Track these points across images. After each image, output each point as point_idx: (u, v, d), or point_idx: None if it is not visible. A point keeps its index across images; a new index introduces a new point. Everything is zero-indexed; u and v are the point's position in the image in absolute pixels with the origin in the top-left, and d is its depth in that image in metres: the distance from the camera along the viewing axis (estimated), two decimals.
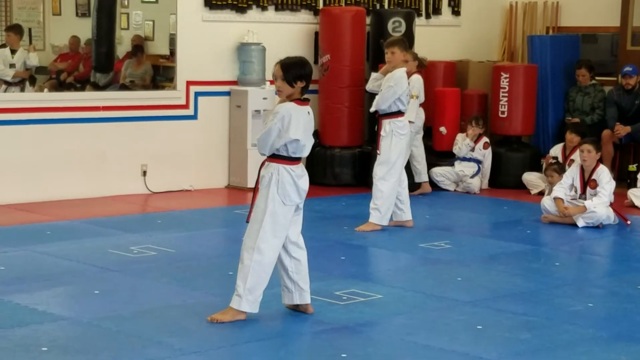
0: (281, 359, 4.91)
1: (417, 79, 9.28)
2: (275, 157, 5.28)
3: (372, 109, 7.96)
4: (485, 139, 10.23)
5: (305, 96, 5.35)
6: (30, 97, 9.10)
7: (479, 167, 10.13)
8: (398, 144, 7.82)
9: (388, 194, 7.82)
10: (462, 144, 10.13)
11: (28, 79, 9.21)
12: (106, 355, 4.76)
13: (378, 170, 7.85)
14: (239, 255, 5.33)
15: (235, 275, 5.32)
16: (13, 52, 9.20)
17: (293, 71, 5.25)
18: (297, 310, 5.51)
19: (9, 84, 9.07)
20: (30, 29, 9.54)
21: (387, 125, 7.81)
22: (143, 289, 6.06)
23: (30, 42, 9.43)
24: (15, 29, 9.36)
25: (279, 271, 5.44)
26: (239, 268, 5.30)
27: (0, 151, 8.57)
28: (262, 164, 5.38)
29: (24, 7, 9.84)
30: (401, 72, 7.80)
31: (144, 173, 9.43)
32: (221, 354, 4.87)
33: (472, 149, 10.13)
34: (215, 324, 5.26)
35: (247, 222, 5.35)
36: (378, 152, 7.89)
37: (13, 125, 8.67)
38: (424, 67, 9.63)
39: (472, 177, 10.04)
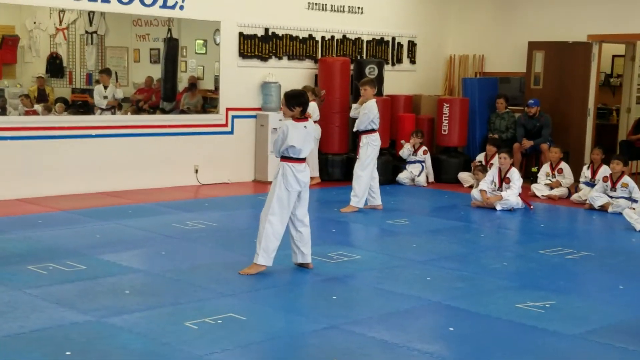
0: (291, 300, 4.89)
1: (313, 105, 9.33)
2: (283, 158, 5.30)
3: (355, 130, 7.92)
4: (424, 147, 10.13)
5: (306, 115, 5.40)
6: (120, 118, 9.07)
7: (422, 167, 10.07)
8: (372, 151, 7.79)
9: (364, 185, 7.78)
10: (405, 149, 10.11)
11: (116, 106, 9.20)
12: (169, 296, 4.75)
13: (357, 169, 7.82)
14: None
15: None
16: (105, 87, 9.17)
17: (292, 100, 5.30)
18: (301, 266, 5.49)
19: (102, 109, 9.07)
20: (116, 72, 9.49)
21: (364, 138, 7.78)
22: (195, 250, 6.04)
23: (117, 81, 9.39)
24: (107, 71, 9.34)
25: (290, 238, 5.42)
26: (258, 234, 5.27)
27: (99, 155, 8.56)
28: None
29: (114, 57, 9.80)
30: (372, 102, 7.75)
31: (196, 170, 9.40)
32: (249, 296, 4.85)
33: (415, 154, 10.07)
34: (245, 275, 5.24)
35: None
36: (357, 157, 7.87)
37: (107, 137, 8.65)
38: (319, 100, 9.60)
39: (419, 175, 10.00)
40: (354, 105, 8.03)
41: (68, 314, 4.34)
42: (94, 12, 9.02)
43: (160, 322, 4.26)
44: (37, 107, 8.81)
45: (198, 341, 3.99)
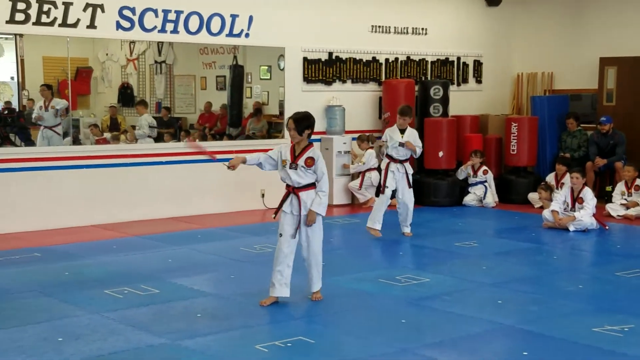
0: (359, 323, 4.91)
1: (370, 152, 9.65)
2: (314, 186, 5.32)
3: (413, 155, 7.66)
4: (484, 167, 10.00)
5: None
6: (185, 145, 9.33)
7: (486, 188, 9.96)
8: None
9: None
10: (460, 171, 10.02)
11: (178, 132, 9.42)
12: (240, 319, 4.85)
13: (409, 196, 7.67)
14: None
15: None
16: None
17: (302, 124, 5.14)
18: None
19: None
20: (147, 102, 9.59)
21: (407, 166, 7.66)
22: (264, 274, 6.11)
23: (145, 107, 9.45)
24: (142, 103, 9.50)
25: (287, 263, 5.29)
26: (318, 269, 5.26)
27: (169, 181, 8.82)
28: (288, 193, 5.22)
29: (182, 85, 10.12)
30: (413, 130, 7.69)
31: (263, 195, 9.56)
32: (319, 319, 4.92)
33: (475, 175, 9.95)
34: (315, 300, 5.32)
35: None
36: (408, 186, 7.63)
37: (177, 164, 8.91)
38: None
39: (484, 195, 9.89)
40: (388, 134, 7.66)
41: (144, 336, 4.49)
42: (162, 43, 9.37)
43: (231, 345, 4.36)
44: (107, 134, 9.17)
45: None
